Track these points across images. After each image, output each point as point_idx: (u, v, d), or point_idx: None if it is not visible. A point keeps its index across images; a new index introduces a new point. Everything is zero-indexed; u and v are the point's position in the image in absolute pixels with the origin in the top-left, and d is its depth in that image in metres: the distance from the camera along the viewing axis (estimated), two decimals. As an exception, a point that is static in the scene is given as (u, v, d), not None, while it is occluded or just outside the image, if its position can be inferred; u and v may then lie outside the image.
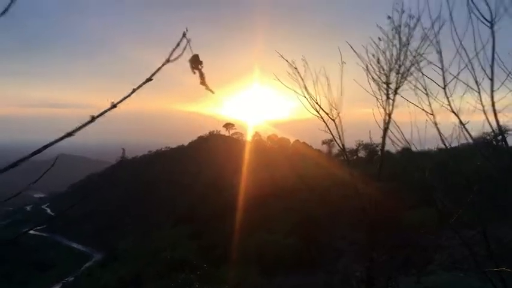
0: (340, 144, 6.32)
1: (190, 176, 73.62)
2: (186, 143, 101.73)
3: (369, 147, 57.04)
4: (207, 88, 2.08)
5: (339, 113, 6.02)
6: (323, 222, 28.29)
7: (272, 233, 27.55)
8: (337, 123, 6.12)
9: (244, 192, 38.02)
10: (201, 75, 2.10)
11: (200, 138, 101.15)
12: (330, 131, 6.33)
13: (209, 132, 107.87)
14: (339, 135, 6.24)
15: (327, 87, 6.11)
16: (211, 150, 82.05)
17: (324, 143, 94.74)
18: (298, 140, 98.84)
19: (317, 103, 5.97)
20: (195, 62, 2.03)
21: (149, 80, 1.74)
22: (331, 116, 6.22)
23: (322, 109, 6.00)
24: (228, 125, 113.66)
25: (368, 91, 5.77)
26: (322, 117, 6.08)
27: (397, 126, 4.87)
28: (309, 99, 6.03)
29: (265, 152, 78.60)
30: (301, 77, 6.08)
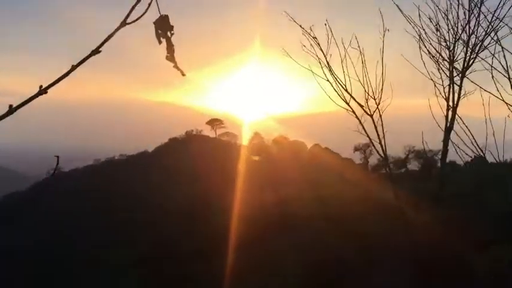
0: (381, 151, 6.21)
1: (157, 197, 73.38)
2: (152, 148, 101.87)
3: (424, 156, 57.07)
4: (176, 66, 2.07)
5: (378, 105, 5.85)
6: (352, 266, 28.17)
7: (277, 280, 27.53)
8: (375, 120, 6.01)
9: (238, 220, 38.25)
10: (169, 47, 2.07)
11: (172, 141, 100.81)
12: (366, 131, 6.17)
13: (186, 133, 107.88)
14: (379, 138, 6.15)
15: (360, 66, 5.92)
16: (189, 159, 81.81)
17: (356, 149, 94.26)
18: (318, 145, 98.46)
19: (346, 90, 5.77)
20: (163, 27, 1.97)
21: (96, 52, 1.64)
22: (367, 110, 6.06)
23: (354, 99, 5.80)
24: (213, 122, 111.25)
25: (422, 72, 5.71)
26: (353, 111, 5.96)
27: (466, 125, 4.64)
28: (334, 84, 5.87)
29: (270, 161, 78.41)
30: (322, 52, 5.92)
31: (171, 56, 1.96)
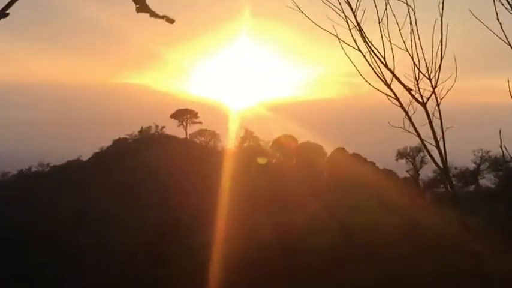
0: (439, 159, 6.22)
1: (107, 220, 73.29)
2: (91, 153, 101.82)
3: (503, 166, 57.23)
4: (154, 14, 2.14)
5: (435, 89, 5.90)
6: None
7: None
8: (430, 110, 6.05)
9: (226, 255, 40.11)
10: (141, 4, 2.13)
11: (119, 143, 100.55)
12: (415, 128, 6.21)
13: (140, 131, 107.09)
14: (436, 139, 6.14)
15: (408, 28, 6.02)
16: (140, 174, 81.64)
17: (401, 155, 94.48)
18: (342, 150, 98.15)
19: (386, 64, 5.86)
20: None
21: (2, 15, 1.65)
22: (417, 95, 6.15)
23: (398, 79, 5.88)
24: (182, 115, 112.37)
25: (500, 37, 5.70)
26: (396, 97, 6.00)
27: None
28: (367, 55, 5.95)
29: (270, 177, 77.97)
30: (349, 5, 6.01)
31: (141, 5, 2.00)
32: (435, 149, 6.37)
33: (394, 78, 6.28)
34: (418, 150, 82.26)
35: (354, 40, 6.19)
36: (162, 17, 3.83)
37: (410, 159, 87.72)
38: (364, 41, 6.19)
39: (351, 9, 6.13)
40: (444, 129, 6.32)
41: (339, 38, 6.24)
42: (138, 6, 3.04)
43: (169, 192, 71.11)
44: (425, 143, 6.42)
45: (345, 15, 6.09)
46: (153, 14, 3.07)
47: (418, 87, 6.31)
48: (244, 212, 50.98)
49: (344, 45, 6.21)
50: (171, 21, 3.90)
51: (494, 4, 5.67)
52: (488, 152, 61.95)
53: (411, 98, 6.31)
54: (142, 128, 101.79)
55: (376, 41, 6.17)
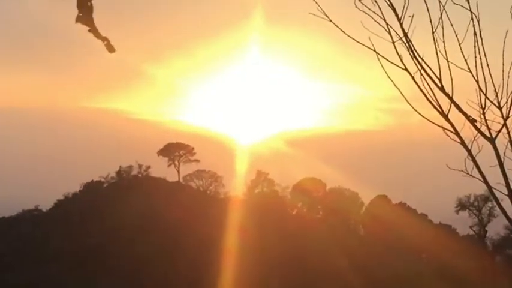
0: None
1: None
2: (53, 201, 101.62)
3: None
4: (94, 32, 2.25)
5: (506, 120, 5.92)
6: None
7: None
8: (501, 148, 6.05)
9: None
10: (83, 14, 2.23)
11: (88, 189, 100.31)
12: (481, 171, 6.21)
13: (117, 172, 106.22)
14: (508, 187, 6.13)
15: (471, 41, 6.08)
16: (115, 234, 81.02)
17: (462, 206, 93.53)
18: (384, 198, 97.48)
19: (441, 87, 5.91)
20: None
21: None
22: (483, 129, 6.15)
23: (458, 106, 5.93)
24: (174, 150, 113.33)
25: None
26: (455, 130, 6.03)
27: None
28: (417, 75, 6.01)
29: (288, 230, 77.25)
30: (394, 11, 6.04)
31: (84, 15, 2.10)
32: (507, 198, 6.35)
33: (452, 106, 6.28)
34: (485, 199, 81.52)
35: (399, 56, 6.21)
36: (103, 39, 4.02)
37: (474, 212, 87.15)
38: (413, 57, 6.22)
39: (396, 15, 6.16)
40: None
41: (377, 53, 6.26)
42: (79, 15, 3.30)
43: (156, 258, 70.89)
44: (494, 190, 6.40)
45: (387, 24, 6.12)
46: (94, 31, 3.36)
47: (485, 117, 6.32)
48: (254, 281, 50.70)
49: (385, 62, 6.23)
50: (111, 49, 4.10)
51: None
52: None
53: (475, 131, 6.31)
54: (120, 168, 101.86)
55: (429, 58, 6.20)
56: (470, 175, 6.35)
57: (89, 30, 3.81)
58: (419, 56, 6.16)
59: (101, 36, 3.93)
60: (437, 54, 6.12)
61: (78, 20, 3.60)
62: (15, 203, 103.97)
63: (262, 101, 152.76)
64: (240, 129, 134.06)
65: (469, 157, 6.26)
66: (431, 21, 6.06)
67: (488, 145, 6.19)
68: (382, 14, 6.12)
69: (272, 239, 66.34)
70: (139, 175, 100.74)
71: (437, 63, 6.14)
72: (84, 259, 77.05)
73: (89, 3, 3.25)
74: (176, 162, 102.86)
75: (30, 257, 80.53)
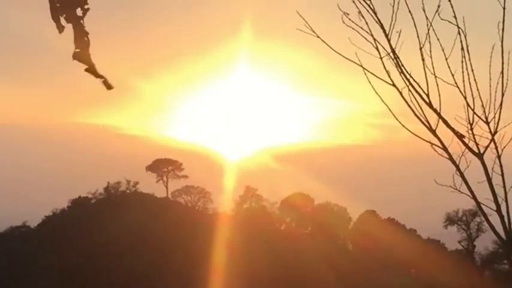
0: (500, 229, 6.18)
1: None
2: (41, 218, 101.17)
3: None
4: (91, 70, 2.26)
5: (494, 135, 5.92)
6: None
7: None
8: (489, 164, 6.05)
9: None
10: (79, 34, 2.22)
11: (80, 202, 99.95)
12: (469, 187, 6.19)
13: (104, 189, 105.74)
14: (497, 201, 6.12)
15: (459, 55, 6.10)
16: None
17: (452, 221, 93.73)
18: (373, 213, 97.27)
19: (429, 103, 5.91)
20: (65, 5, 2.17)
21: None
22: (471, 144, 6.15)
23: (446, 121, 5.93)
24: (163, 166, 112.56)
25: None
26: (444, 147, 6.02)
27: None
28: (405, 90, 6.01)
29: (276, 245, 77.14)
30: (381, 26, 6.05)
31: (82, 50, 2.10)
32: (495, 214, 6.35)
33: (440, 121, 6.28)
34: (474, 214, 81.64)
35: (387, 71, 6.20)
36: (101, 78, 4.03)
37: (463, 227, 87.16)
38: (401, 72, 6.21)
39: (383, 31, 6.16)
40: (508, 188, 6.30)
41: (364, 68, 6.23)
42: (76, 50, 3.29)
43: (144, 273, 70.66)
44: (483, 206, 6.39)
45: (374, 39, 6.11)
46: (92, 70, 3.39)
47: (473, 133, 6.31)
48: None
49: (373, 78, 6.21)
50: (109, 87, 4.10)
51: None
52: None
53: (463, 147, 6.30)
54: (109, 184, 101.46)
55: (417, 73, 6.19)
56: (459, 190, 6.33)
57: (86, 70, 3.77)
58: (407, 72, 6.16)
59: (98, 75, 3.90)
60: (424, 69, 6.12)
61: (76, 56, 3.55)
62: (3, 219, 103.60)
63: (251, 116, 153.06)
64: (229, 144, 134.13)
65: (457, 172, 6.25)
66: (418, 37, 6.06)
67: (476, 160, 6.18)
68: (370, 29, 6.12)
69: (260, 254, 66.25)
70: (128, 191, 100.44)
71: (425, 79, 6.13)
72: (72, 274, 76.76)
73: (85, 38, 3.22)
74: (164, 178, 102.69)
75: (19, 272, 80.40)
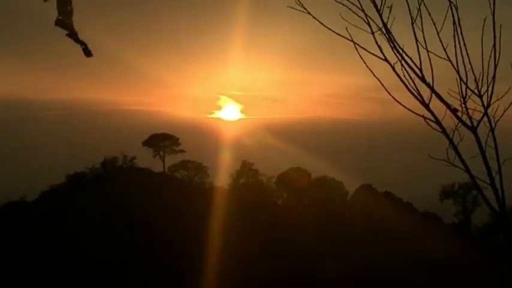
0: (494, 202, 6.18)
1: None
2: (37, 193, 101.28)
3: None
4: (72, 36, 2.23)
5: (487, 108, 5.91)
6: None
7: None
8: (482, 137, 6.04)
9: None
10: (63, 1, 2.21)
11: (76, 178, 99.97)
12: (463, 160, 6.19)
13: (101, 164, 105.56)
14: (490, 175, 6.12)
15: (450, 30, 6.07)
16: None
17: (447, 195, 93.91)
18: (369, 187, 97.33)
19: (422, 77, 5.91)
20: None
21: None
22: (464, 118, 6.13)
23: (439, 95, 5.94)
24: (159, 141, 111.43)
25: None
26: (436, 119, 6.01)
27: None
28: (398, 64, 5.99)
29: (274, 220, 77.12)
30: (374, 2, 6.04)
31: (65, 17, 2.09)
32: (490, 187, 6.35)
33: (433, 96, 6.27)
34: (469, 187, 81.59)
35: (379, 46, 6.20)
36: (81, 44, 4.07)
37: (458, 200, 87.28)
38: (393, 47, 6.20)
39: (375, 6, 6.14)
40: (501, 161, 6.31)
41: (356, 44, 6.22)
42: (59, 17, 3.36)
43: (141, 248, 70.77)
44: (477, 179, 6.39)
45: (366, 15, 6.09)
46: (73, 35, 3.45)
47: (466, 106, 6.31)
48: (239, 270, 50.75)
49: (365, 53, 6.19)
50: (89, 54, 4.14)
51: None
52: None
53: (457, 121, 6.30)
54: (105, 159, 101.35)
55: (409, 48, 6.18)
56: (453, 164, 6.33)
57: (67, 34, 3.84)
58: (399, 47, 6.15)
59: (79, 40, 3.95)
60: (417, 44, 6.10)
61: (58, 23, 3.64)
62: (1, 193, 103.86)
63: (247, 89, 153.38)
64: (226, 119, 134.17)
65: (451, 146, 6.25)
66: (410, 11, 6.04)
67: (469, 134, 6.18)
68: (361, 5, 6.10)
69: (257, 228, 66.34)
70: (124, 166, 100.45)
71: (418, 53, 6.12)
72: (68, 250, 77.04)
73: (68, 7, 3.28)
74: (161, 153, 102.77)
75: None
